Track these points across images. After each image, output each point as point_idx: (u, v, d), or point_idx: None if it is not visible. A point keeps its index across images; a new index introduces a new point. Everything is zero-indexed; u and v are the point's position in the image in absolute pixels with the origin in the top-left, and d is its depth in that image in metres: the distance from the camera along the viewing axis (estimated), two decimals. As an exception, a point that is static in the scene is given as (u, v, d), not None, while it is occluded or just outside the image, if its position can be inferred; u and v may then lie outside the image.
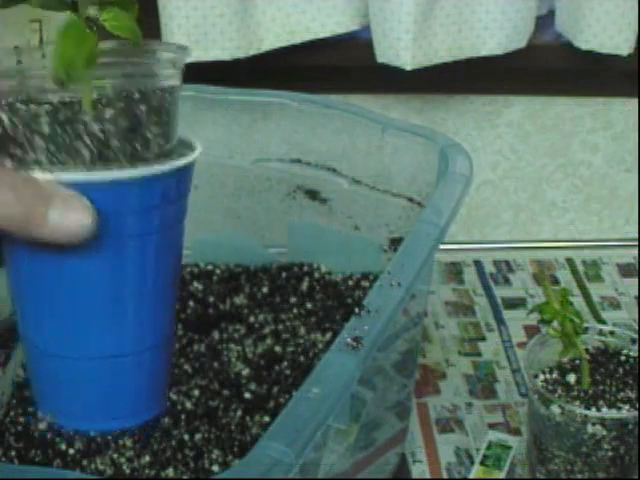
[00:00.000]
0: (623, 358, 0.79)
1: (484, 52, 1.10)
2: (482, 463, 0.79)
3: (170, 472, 0.67)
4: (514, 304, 1.05)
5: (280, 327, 0.82)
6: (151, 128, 0.52)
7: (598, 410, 0.74)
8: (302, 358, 0.78)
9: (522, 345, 0.97)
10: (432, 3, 1.05)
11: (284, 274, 0.88)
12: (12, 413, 0.71)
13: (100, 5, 0.49)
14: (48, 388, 0.59)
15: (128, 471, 0.67)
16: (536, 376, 0.77)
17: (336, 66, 1.15)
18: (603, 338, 0.80)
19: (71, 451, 0.68)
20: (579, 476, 0.75)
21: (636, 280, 1.08)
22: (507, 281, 1.09)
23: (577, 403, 0.74)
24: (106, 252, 0.52)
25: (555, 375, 0.77)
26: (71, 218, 0.48)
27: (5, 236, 0.51)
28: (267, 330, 0.81)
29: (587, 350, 0.78)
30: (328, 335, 0.80)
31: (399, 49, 1.05)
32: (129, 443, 0.69)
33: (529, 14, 1.09)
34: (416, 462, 0.85)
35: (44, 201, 0.47)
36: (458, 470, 0.84)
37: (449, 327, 1.01)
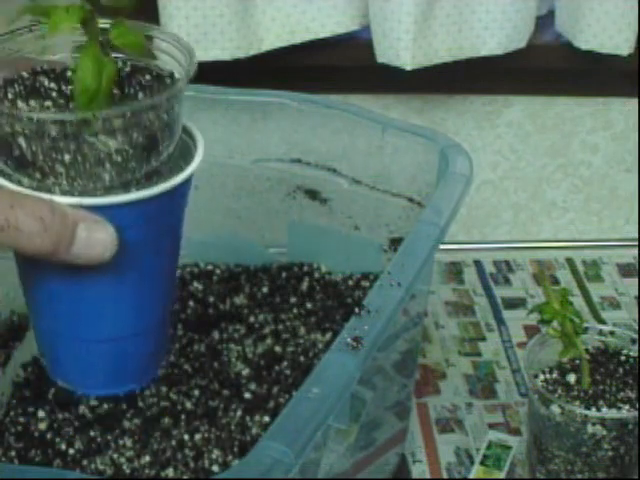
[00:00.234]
0: (623, 358, 0.79)
1: (484, 52, 1.10)
2: (482, 463, 0.79)
3: (170, 472, 0.67)
4: (514, 304, 1.05)
5: (280, 327, 0.82)
6: (165, 143, 0.52)
7: (598, 410, 0.74)
8: (302, 358, 0.78)
9: (522, 345, 0.97)
10: (432, 3, 1.05)
11: (284, 274, 0.88)
12: (12, 413, 0.71)
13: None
14: (60, 360, 0.59)
15: (128, 471, 0.67)
16: (536, 376, 0.77)
17: (336, 66, 1.15)
18: (603, 338, 0.80)
19: (71, 451, 0.68)
20: (579, 476, 0.75)
21: (636, 280, 1.08)
22: (507, 281, 1.09)
23: (577, 403, 0.74)
24: (116, 259, 0.53)
25: (555, 375, 0.77)
26: (95, 243, 0.50)
27: None
28: (267, 330, 0.81)
29: (587, 350, 0.78)
30: (328, 335, 0.80)
31: (399, 49, 1.05)
32: (129, 443, 0.69)
33: (529, 14, 1.09)
34: (416, 462, 0.85)
35: (70, 230, 0.49)
36: (458, 470, 0.84)
37: (449, 327, 1.01)
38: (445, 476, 0.83)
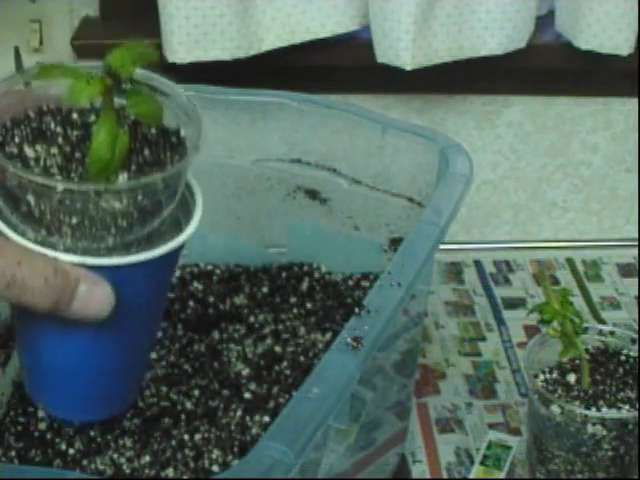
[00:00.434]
0: (623, 358, 0.79)
1: (484, 52, 1.10)
2: (482, 463, 0.79)
3: (170, 472, 0.67)
4: (514, 304, 1.05)
5: (280, 327, 0.82)
6: (169, 205, 0.53)
7: (598, 410, 0.73)
8: (302, 358, 0.78)
9: (522, 345, 0.97)
10: (432, 3, 1.05)
11: (284, 274, 0.88)
12: (12, 413, 0.71)
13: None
14: (40, 384, 0.59)
15: (128, 471, 0.67)
16: (536, 376, 0.77)
17: (336, 66, 1.15)
18: (603, 338, 0.80)
19: (71, 451, 0.68)
20: (579, 476, 0.75)
21: (636, 280, 1.08)
22: (507, 281, 1.09)
23: (577, 403, 0.74)
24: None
25: (555, 375, 0.77)
26: (94, 303, 0.51)
27: None
28: (267, 330, 0.81)
29: (587, 350, 0.78)
30: (328, 335, 0.80)
31: (399, 49, 1.05)
32: (129, 443, 0.69)
33: (529, 14, 1.09)
34: (416, 462, 0.85)
35: (71, 289, 0.50)
36: (458, 470, 0.84)
37: (449, 327, 1.01)
38: (445, 476, 0.83)
